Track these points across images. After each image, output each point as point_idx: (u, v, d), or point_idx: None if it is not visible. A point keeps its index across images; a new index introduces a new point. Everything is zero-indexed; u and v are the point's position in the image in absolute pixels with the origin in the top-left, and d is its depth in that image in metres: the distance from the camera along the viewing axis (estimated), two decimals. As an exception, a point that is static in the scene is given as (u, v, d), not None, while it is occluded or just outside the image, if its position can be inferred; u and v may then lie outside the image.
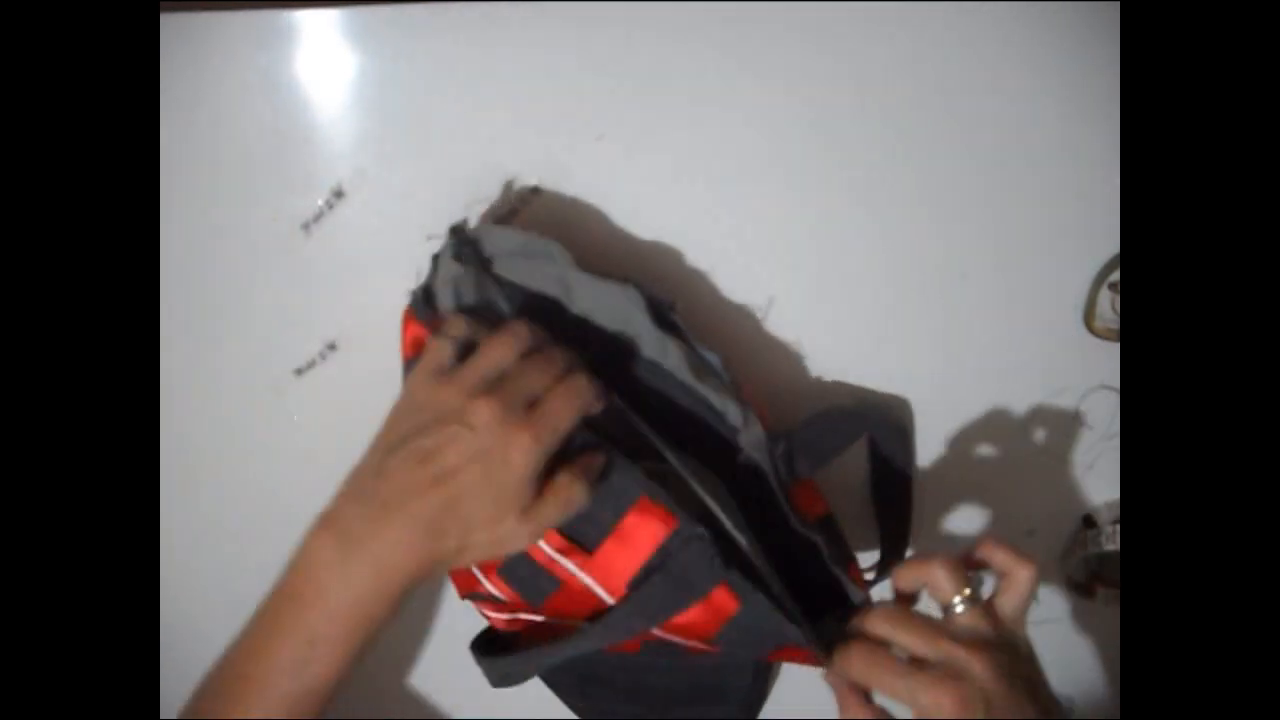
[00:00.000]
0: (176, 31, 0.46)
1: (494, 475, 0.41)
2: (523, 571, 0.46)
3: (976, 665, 0.42)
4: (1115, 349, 0.58)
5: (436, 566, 0.42)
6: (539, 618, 0.48)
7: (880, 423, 0.55)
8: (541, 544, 0.45)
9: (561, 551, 0.45)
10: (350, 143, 0.50)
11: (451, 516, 0.41)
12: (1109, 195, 0.53)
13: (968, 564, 0.46)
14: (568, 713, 0.57)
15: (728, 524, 0.45)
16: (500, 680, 0.50)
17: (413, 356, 0.47)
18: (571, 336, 0.47)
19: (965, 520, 0.64)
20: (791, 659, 0.48)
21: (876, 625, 0.45)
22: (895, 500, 0.58)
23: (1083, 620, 0.67)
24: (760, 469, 0.50)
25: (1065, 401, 0.60)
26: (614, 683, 0.54)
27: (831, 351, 0.57)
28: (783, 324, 0.56)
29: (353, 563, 0.42)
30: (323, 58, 0.48)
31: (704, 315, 0.54)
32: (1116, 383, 0.59)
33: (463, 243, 0.48)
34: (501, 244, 0.49)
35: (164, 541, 0.56)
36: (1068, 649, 0.69)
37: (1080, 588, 0.66)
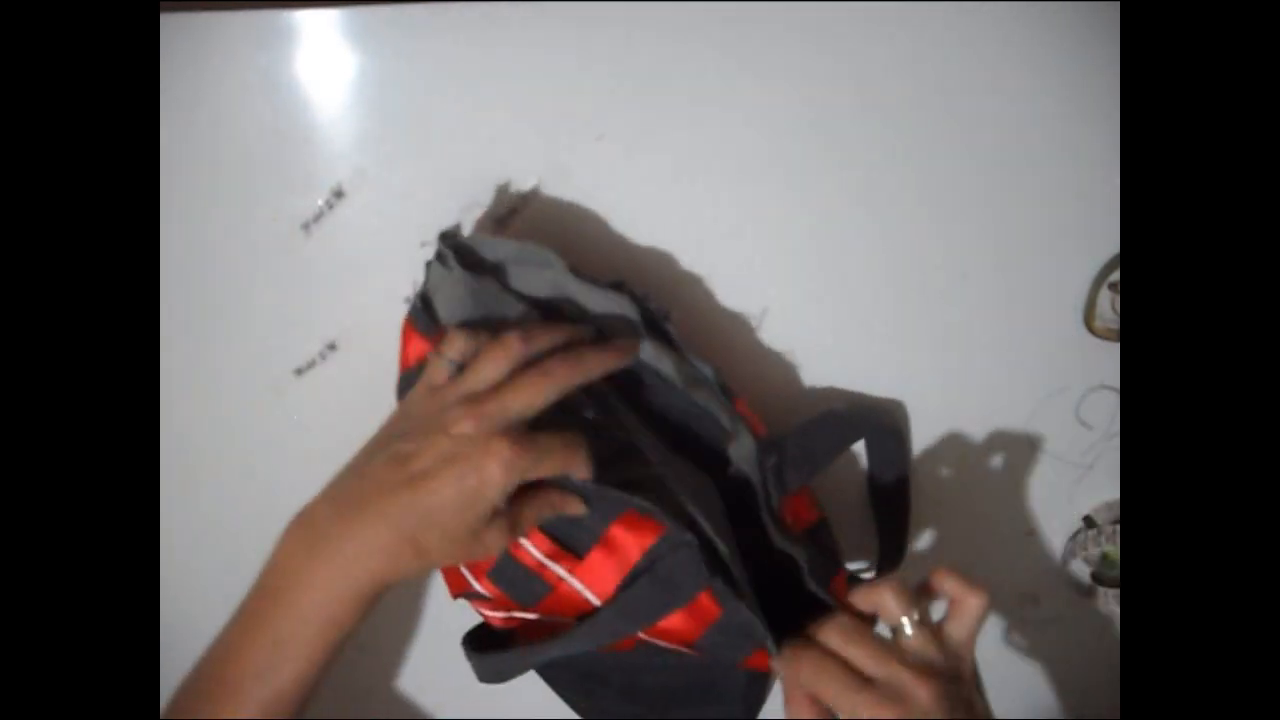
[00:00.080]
0: (176, 31, 0.46)
1: (467, 481, 0.41)
2: (512, 575, 0.47)
3: (921, 690, 0.42)
4: (1115, 349, 0.58)
5: (405, 569, 0.42)
6: (533, 616, 0.48)
7: (875, 427, 0.55)
8: (530, 548, 0.46)
9: (551, 556, 0.46)
10: (350, 143, 0.50)
11: (421, 517, 0.41)
12: (1109, 195, 0.53)
13: (922, 591, 0.47)
14: (564, 712, 0.57)
15: (709, 530, 0.46)
16: (488, 676, 0.50)
17: (410, 368, 0.47)
18: None
19: (965, 520, 0.64)
20: (763, 664, 0.48)
21: (830, 637, 0.46)
22: (892, 503, 0.58)
23: (1083, 620, 0.67)
24: (749, 481, 0.50)
25: (1065, 401, 0.60)
26: (610, 681, 0.54)
27: (831, 351, 0.57)
28: (782, 323, 0.56)
29: (321, 561, 0.42)
30: (323, 58, 0.48)
31: (702, 314, 0.55)
32: (1116, 383, 0.59)
33: (457, 249, 0.48)
34: (497, 252, 0.49)
35: (164, 541, 0.56)
36: (1068, 649, 0.69)
37: (1080, 588, 0.66)
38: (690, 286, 0.54)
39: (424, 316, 0.47)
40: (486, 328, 0.45)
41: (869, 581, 0.48)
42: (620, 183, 0.52)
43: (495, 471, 0.41)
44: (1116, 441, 0.61)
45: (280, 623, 0.42)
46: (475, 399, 0.42)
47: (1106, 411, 0.60)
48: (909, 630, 0.45)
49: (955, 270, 0.56)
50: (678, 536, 0.45)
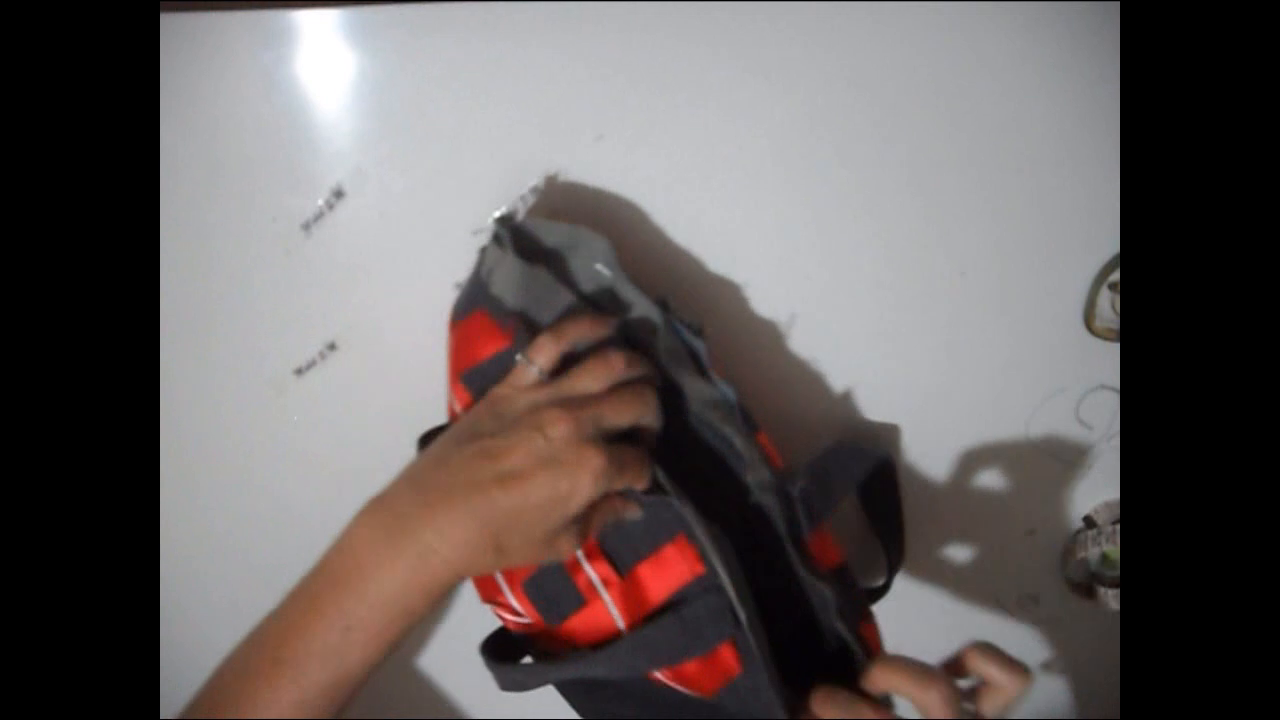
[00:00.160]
0: (176, 31, 0.46)
1: (559, 486, 0.40)
2: (549, 584, 0.46)
3: None
4: (1115, 349, 0.58)
5: (483, 565, 0.42)
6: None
7: (882, 460, 0.55)
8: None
9: (591, 558, 0.45)
10: (350, 143, 0.50)
11: (509, 519, 0.41)
12: (1109, 195, 0.53)
13: (951, 668, 0.45)
14: (565, 712, 0.57)
15: (730, 591, 0.44)
16: (509, 685, 0.49)
17: (483, 361, 0.46)
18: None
19: (965, 520, 0.64)
20: None
21: (836, 711, 0.44)
22: (890, 519, 0.58)
23: (1083, 620, 0.67)
24: (767, 514, 0.49)
25: (1065, 401, 0.60)
26: (627, 695, 0.53)
27: (831, 351, 0.57)
28: (781, 323, 0.56)
29: (400, 548, 0.41)
30: (323, 58, 0.48)
31: (701, 314, 0.54)
32: (1116, 383, 0.59)
33: (514, 234, 0.47)
34: (552, 236, 0.48)
35: (164, 541, 0.56)
36: (1068, 649, 0.69)
37: (1080, 588, 0.66)
38: (689, 286, 0.54)
39: (496, 305, 0.46)
40: (547, 322, 0.45)
41: (910, 667, 0.44)
42: (620, 183, 0.52)
43: (586, 480, 0.41)
44: (1116, 441, 0.61)
45: (354, 607, 0.41)
46: (572, 405, 0.42)
47: (1106, 411, 0.60)
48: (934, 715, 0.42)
49: (955, 270, 0.56)
50: (711, 579, 0.44)
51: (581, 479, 0.41)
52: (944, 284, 0.56)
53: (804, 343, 0.57)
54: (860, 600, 0.53)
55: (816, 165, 0.52)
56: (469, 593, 0.50)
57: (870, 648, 0.50)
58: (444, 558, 0.41)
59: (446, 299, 0.52)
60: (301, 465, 0.57)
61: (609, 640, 0.46)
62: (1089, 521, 0.64)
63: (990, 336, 0.58)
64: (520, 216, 0.51)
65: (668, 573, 0.45)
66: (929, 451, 0.61)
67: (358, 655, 0.41)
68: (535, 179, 0.51)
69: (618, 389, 0.44)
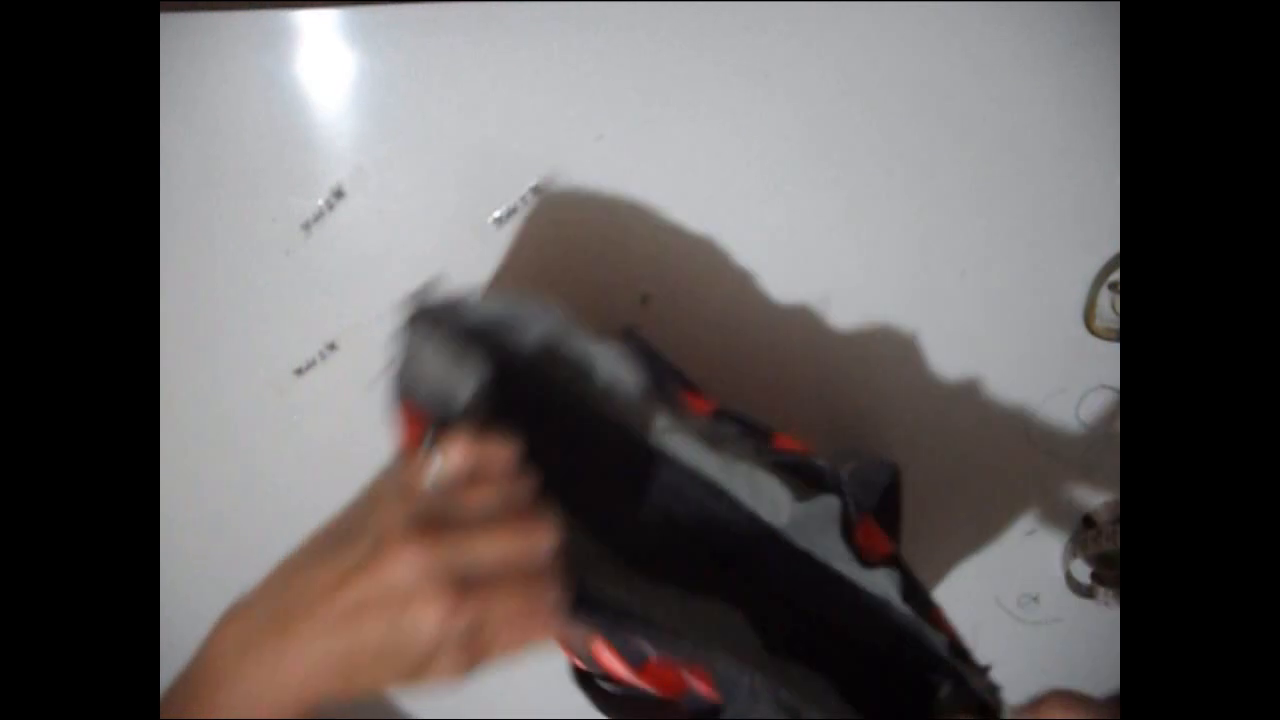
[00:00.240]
0: (176, 31, 0.46)
1: (397, 631, 0.36)
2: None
3: None
4: (1115, 349, 0.58)
5: (335, 696, 0.38)
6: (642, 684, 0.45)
7: (893, 468, 0.54)
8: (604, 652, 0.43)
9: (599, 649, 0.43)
10: (350, 143, 0.50)
11: (347, 658, 0.37)
12: (1109, 195, 0.53)
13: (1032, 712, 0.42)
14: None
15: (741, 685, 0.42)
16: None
17: (407, 448, 0.43)
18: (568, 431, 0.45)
19: (966, 520, 0.64)
20: None
21: None
22: (891, 525, 0.56)
23: (1083, 620, 0.67)
24: (792, 542, 0.47)
25: (1065, 401, 0.60)
26: None
27: (830, 351, 0.57)
28: (781, 323, 0.56)
29: (251, 666, 0.38)
30: (323, 58, 0.48)
31: (700, 314, 0.54)
32: (1116, 383, 0.59)
33: (433, 319, 0.43)
34: (482, 312, 0.44)
35: (164, 541, 0.56)
36: (1068, 649, 0.69)
37: (1080, 588, 0.66)
38: (687, 286, 0.54)
39: (412, 392, 0.43)
40: (458, 412, 0.41)
41: (1061, 696, 0.42)
42: (620, 183, 0.52)
43: (427, 627, 0.36)
44: (1116, 441, 0.61)
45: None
46: (437, 525, 0.37)
47: (1106, 411, 0.60)
48: None
49: (955, 270, 0.56)
50: (695, 703, 0.42)
51: (421, 625, 0.36)
52: (944, 284, 0.56)
53: (803, 343, 0.57)
54: (921, 588, 0.49)
55: (815, 166, 0.52)
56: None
57: (945, 629, 0.48)
58: (290, 686, 0.38)
59: (446, 299, 0.52)
60: (301, 465, 0.57)
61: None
62: (1089, 521, 0.64)
63: (990, 336, 0.58)
64: (520, 215, 0.51)
65: (670, 677, 0.43)
66: (929, 451, 0.61)
67: None
68: (535, 179, 0.51)
69: (508, 519, 0.38)
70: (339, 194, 0.51)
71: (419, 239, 0.52)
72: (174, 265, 0.51)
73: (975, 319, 0.57)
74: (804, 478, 0.48)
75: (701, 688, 0.43)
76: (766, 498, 0.47)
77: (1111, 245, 0.55)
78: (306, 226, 0.51)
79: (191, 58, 0.47)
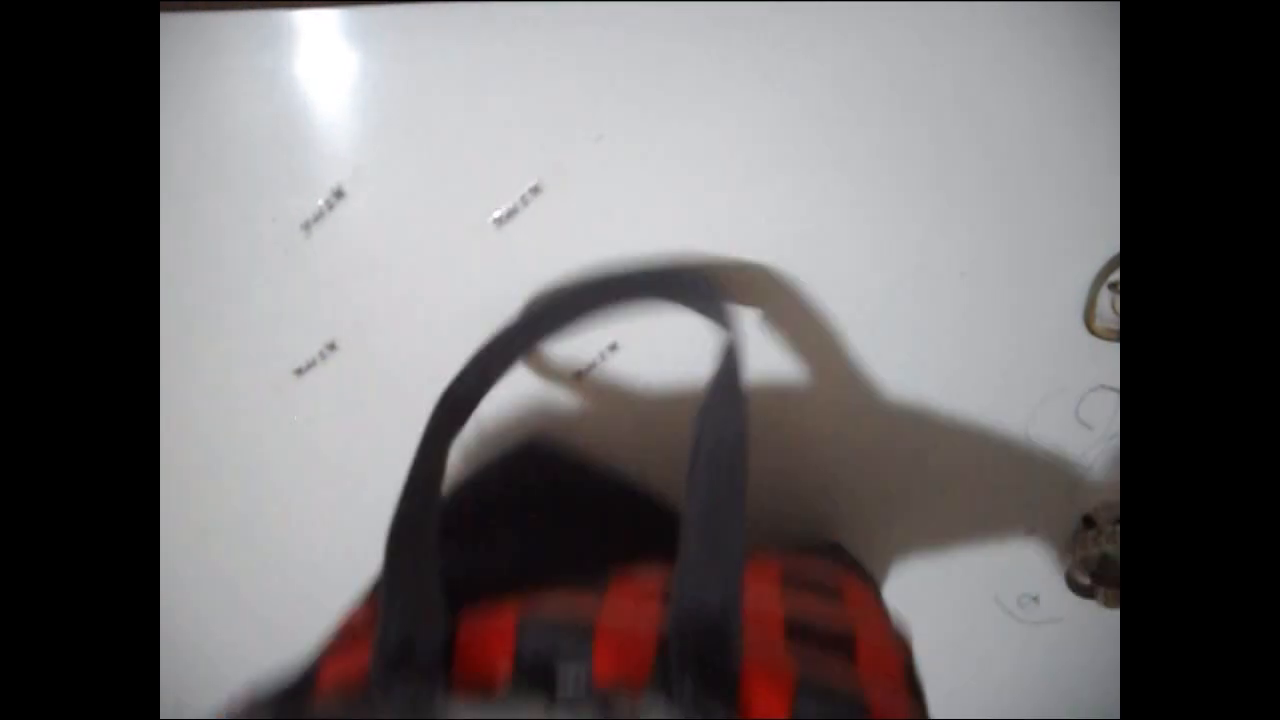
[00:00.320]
0: (176, 31, 0.46)
1: None
2: None
3: None
4: (1115, 349, 0.58)
5: None
6: None
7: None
8: None
9: None
10: (350, 143, 0.50)
11: None
12: (1109, 195, 0.53)
13: None
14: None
15: None
16: None
17: None
18: None
19: (965, 520, 0.64)
20: None
21: None
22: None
23: (1083, 620, 0.67)
24: None
25: (1065, 401, 0.60)
26: None
27: (830, 351, 0.57)
28: (780, 323, 0.56)
29: None
30: (323, 58, 0.48)
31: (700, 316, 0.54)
32: (1116, 383, 0.59)
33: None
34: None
35: (164, 542, 0.56)
36: (1068, 649, 0.69)
37: (1080, 588, 0.66)
38: (690, 286, 0.54)
39: None
40: None
41: None
42: (621, 183, 0.52)
43: None
44: (1116, 441, 0.61)
45: None
46: None
47: (1106, 411, 0.60)
48: None
49: (954, 270, 0.56)
50: None
51: None
52: (943, 284, 0.56)
53: (802, 343, 0.57)
54: None
55: (815, 166, 0.52)
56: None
57: None
58: None
59: (446, 299, 0.52)
60: (301, 465, 0.57)
61: None
62: (1089, 521, 0.64)
63: (990, 336, 0.58)
64: (520, 215, 0.51)
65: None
66: (928, 451, 0.61)
67: None
68: (535, 179, 0.51)
69: None
70: (339, 194, 0.51)
71: (419, 239, 0.52)
72: (174, 265, 0.51)
73: (975, 319, 0.57)
74: None
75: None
76: None
77: (1111, 245, 0.55)
78: (306, 226, 0.51)
79: (191, 58, 0.47)
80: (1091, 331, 0.57)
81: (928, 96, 0.51)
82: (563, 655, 0.37)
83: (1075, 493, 0.63)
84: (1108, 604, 0.65)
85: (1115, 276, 0.56)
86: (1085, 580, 0.66)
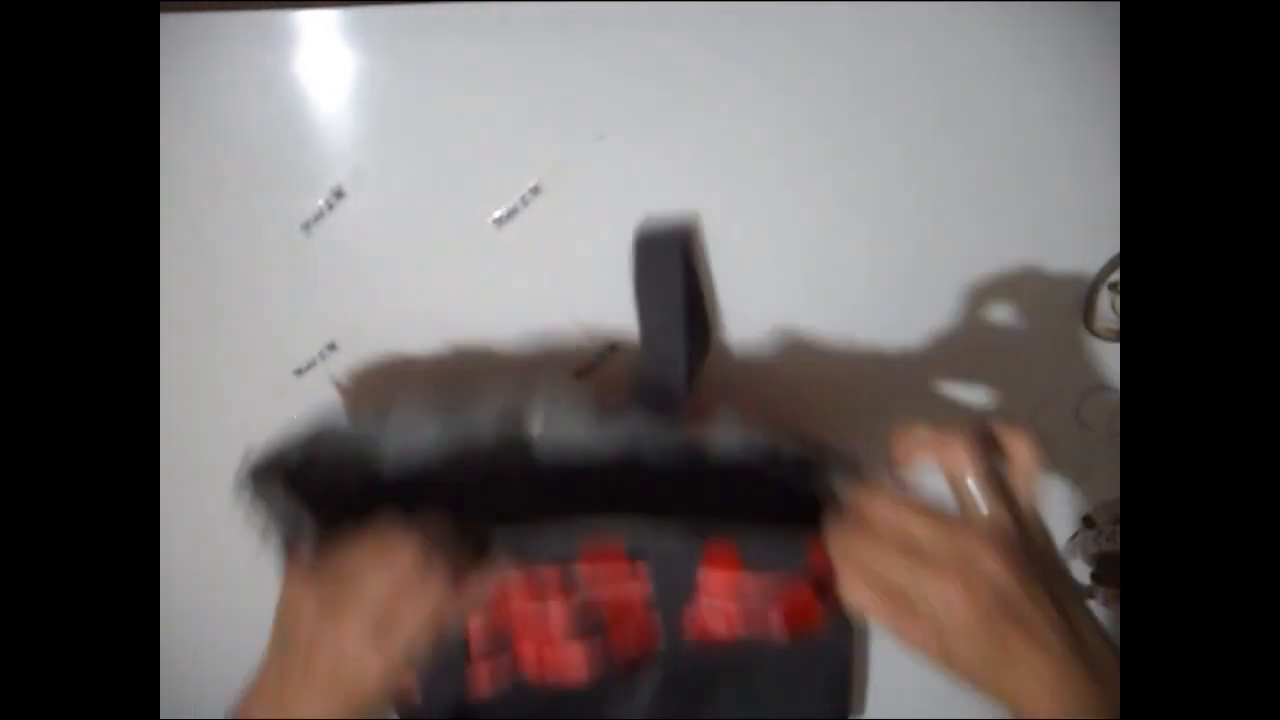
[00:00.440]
0: (176, 31, 0.46)
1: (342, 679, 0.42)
2: None
3: (990, 559, 0.38)
4: (1115, 349, 0.58)
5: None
6: None
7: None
8: None
9: None
10: (350, 143, 0.50)
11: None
12: (1109, 195, 0.53)
13: (984, 443, 0.42)
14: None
15: None
16: None
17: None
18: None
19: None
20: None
21: (881, 509, 0.41)
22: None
23: (1083, 620, 0.67)
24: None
25: (1065, 401, 0.60)
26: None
27: (830, 351, 0.57)
28: (781, 323, 0.56)
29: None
30: (323, 58, 0.48)
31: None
32: (1116, 383, 0.59)
33: (264, 477, 0.48)
34: (347, 440, 0.49)
35: (164, 542, 0.56)
36: (1068, 649, 0.69)
37: (1080, 588, 0.66)
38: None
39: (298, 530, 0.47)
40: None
41: (929, 430, 0.42)
42: (621, 182, 0.52)
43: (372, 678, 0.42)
44: (1116, 441, 0.61)
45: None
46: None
47: (1106, 411, 0.60)
48: (974, 489, 0.40)
49: (954, 270, 0.56)
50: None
51: (368, 675, 0.42)
52: (944, 284, 0.56)
53: (802, 342, 0.57)
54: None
55: (815, 165, 0.52)
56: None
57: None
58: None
59: (446, 299, 0.52)
60: (301, 465, 0.57)
61: None
62: (1089, 521, 0.64)
63: (990, 337, 0.58)
64: (520, 215, 0.51)
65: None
66: (929, 451, 0.61)
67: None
68: (535, 179, 0.51)
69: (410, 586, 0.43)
70: (339, 194, 0.51)
71: (419, 239, 0.52)
72: (174, 265, 0.51)
73: (975, 319, 0.57)
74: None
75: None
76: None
77: (1111, 245, 0.55)
78: (306, 226, 0.51)
79: (191, 58, 0.47)
80: (1091, 331, 0.57)
81: (928, 97, 0.51)
82: None
83: (1075, 493, 0.63)
84: (1107, 604, 0.65)
85: (1115, 276, 0.56)
86: (1085, 580, 0.66)
